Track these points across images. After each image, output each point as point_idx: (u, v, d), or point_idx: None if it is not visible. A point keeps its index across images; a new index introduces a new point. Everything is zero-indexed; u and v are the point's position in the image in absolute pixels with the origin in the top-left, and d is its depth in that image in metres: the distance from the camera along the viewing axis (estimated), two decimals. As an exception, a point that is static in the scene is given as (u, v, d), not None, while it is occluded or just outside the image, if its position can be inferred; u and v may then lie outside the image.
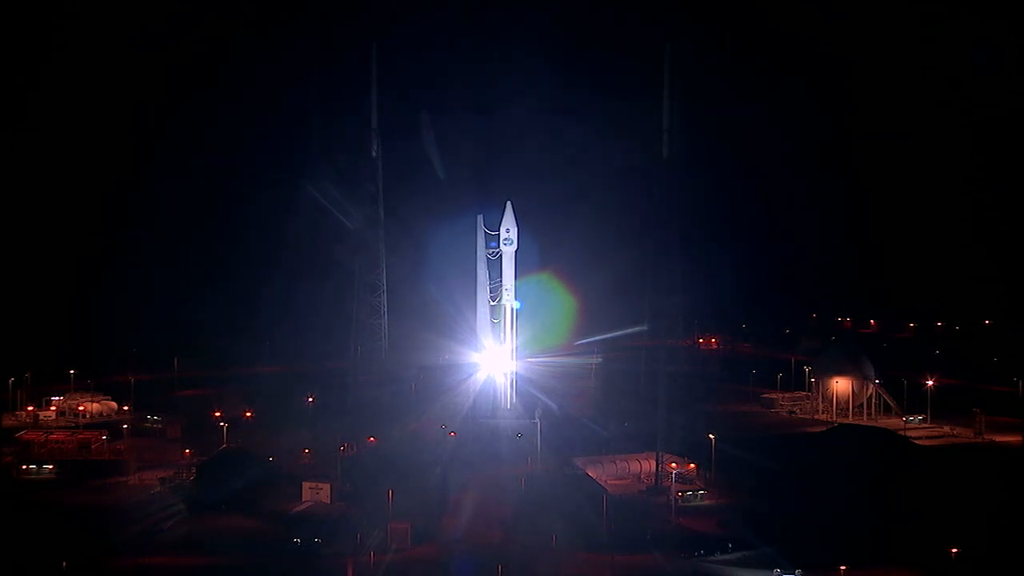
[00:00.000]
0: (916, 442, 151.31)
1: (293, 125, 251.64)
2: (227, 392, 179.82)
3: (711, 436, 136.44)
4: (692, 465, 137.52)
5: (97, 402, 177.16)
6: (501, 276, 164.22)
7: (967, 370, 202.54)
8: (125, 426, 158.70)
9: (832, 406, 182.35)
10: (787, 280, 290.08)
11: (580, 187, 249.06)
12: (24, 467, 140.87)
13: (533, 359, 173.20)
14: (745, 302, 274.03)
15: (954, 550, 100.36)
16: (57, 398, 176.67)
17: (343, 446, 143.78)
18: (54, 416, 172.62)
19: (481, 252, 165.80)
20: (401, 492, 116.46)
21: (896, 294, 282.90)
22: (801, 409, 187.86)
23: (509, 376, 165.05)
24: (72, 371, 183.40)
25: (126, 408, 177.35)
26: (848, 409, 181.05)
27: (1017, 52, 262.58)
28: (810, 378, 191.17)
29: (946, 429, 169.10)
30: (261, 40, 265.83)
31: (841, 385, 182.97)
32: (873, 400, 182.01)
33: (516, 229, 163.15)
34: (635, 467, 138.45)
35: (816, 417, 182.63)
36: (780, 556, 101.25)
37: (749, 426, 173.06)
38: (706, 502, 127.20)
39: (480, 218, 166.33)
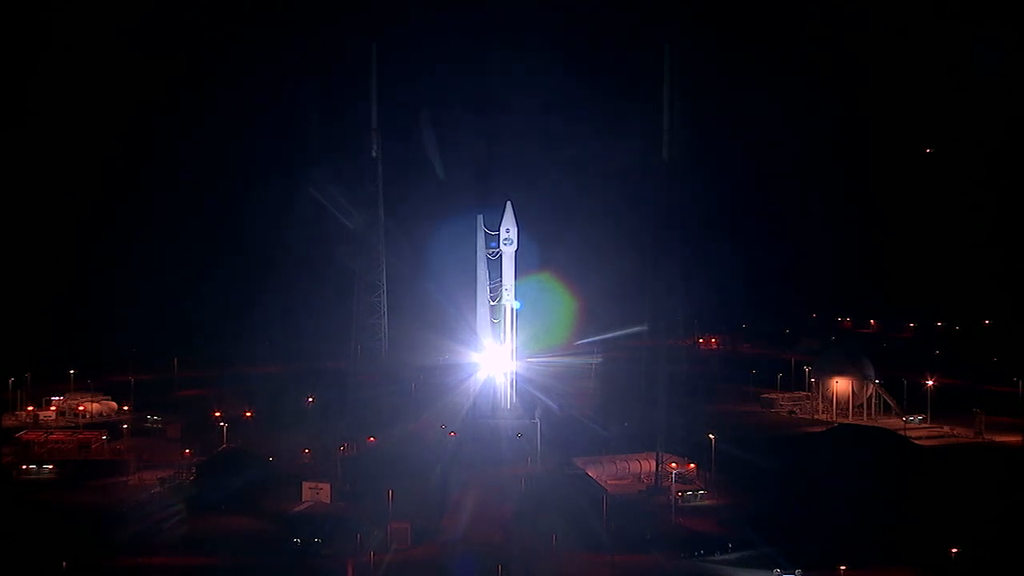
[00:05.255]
0: (916, 442, 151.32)
1: (293, 125, 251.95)
2: (227, 392, 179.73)
3: (711, 436, 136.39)
4: (692, 465, 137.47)
5: (97, 402, 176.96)
6: (501, 276, 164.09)
7: (967, 370, 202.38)
8: (125, 426, 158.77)
9: (832, 406, 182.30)
10: (787, 280, 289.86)
11: (580, 187, 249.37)
12: (24, 467, 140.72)
13: (533, 359, 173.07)
14: (745, 302, 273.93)
15: (954, 550, 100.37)
16: (57, 398, 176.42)
17: (343, 446, 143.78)
18: (54, 416, 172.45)
19: (481, 252, 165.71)
20: (401, 492, 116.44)
21: (896, 294, 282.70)
22: (801, 409, 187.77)
23: (509, 376, 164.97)
24: (72, 371, 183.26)
25: (126, 408, 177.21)
26: (848, 409, 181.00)
27: (1017, 52, 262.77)
28: (810, 378, 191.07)
29: (946, 429, 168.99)
30: (261, 40, 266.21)
31: (841, 385, 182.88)
32: (873, 400, 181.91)
33: (516, 229, 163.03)
34: (635, 467, 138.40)
35: (816, 417, 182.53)
36: (780, 556, 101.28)
37: (749, 426, 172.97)
38: (706, 502, 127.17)
39: (480, 218, 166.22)
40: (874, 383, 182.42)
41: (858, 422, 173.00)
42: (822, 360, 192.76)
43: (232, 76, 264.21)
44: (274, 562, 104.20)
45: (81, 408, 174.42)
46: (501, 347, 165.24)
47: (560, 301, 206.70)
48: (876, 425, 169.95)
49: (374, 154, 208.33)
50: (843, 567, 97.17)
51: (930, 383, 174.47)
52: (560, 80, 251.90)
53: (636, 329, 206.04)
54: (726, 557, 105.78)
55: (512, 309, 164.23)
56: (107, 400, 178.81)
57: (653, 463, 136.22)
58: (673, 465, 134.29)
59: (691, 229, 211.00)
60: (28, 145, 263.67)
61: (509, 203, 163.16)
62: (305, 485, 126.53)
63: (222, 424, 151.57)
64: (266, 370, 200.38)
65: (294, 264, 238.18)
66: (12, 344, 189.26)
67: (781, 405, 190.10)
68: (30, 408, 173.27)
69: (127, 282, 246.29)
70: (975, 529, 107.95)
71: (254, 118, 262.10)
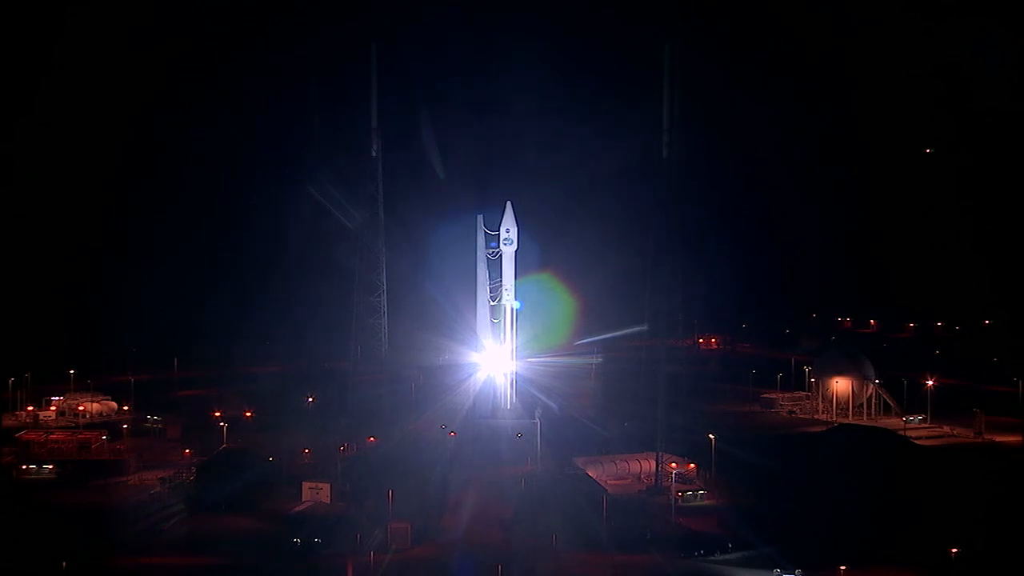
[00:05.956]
0: (916, 442, 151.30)
1: (293, 125, 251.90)
2: (227, 392, 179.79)
3: (711, 436, 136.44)
4: (692, 465, 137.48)
5: (97, 402, 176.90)
6: (501, 276, 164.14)
7: (967, 370, 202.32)
8: (125, 426, 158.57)
9: (832, 406, 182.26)
10: (787, 280, 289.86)
11: (580, 187, 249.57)
12: (24, 467, 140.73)
13: (533, 359, 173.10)
14: (745, 302, 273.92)
15: (954, 550, 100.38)
16: (57, 398, 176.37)
17: (343, 446, 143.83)
18: (54, 416, 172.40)
19: (481, 252, 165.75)
20: (401, 492, 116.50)
21: (896, 294, 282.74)
22: (801, 409, 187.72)
23: (509, 376, 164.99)
24: (72, 371, 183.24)
25: (126, 408, 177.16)
26: (848, 409, 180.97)
27: (1017, 52, 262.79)
28: (810, 378, 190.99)
29: (946, 429, 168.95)
30: (261, 40, 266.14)
31: (841, 385, 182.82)
32: (873, 400, 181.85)
33: (516, 229, 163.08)
34: (635, 467, 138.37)
35: (816, 417, 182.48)
36: (780, 556, 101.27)
37: (749, 426, 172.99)
38: (706, 502, 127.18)
39: (480, 218, 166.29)
40: (874, 383, 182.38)
41: (858, 422, 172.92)
42: (822, 360, 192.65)
43: (232, 77, 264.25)
44: (274, 562, 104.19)
45: (81, 408, 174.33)
46: (501, 347, 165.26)
47: (560, 301, 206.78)
48: (876, 425, 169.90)
49: (374, 154, 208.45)
50: (843, 567, 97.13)
51: (930, 383, 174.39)
52: (560, 80, 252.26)
53: (636, 329, 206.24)
54: (726, 557, 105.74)
55: (512, 309, 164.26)
56: (107, 400, 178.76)
57: (653, 463, 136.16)
58: (673, 465, 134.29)
59: (691, 229, 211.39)
60: (30, 145, 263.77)
61: (509, 203, 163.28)
62: (305, 485, 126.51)
63: (222, 424, 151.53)
64: (266, 370, 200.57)
65: (294, 264, 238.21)
66: (12, 344, 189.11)
67: (781, 405, 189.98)
68: (30, 408, 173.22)
69: (127, 282, 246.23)
70: (975, 529, 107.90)
71: (254, 118, 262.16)
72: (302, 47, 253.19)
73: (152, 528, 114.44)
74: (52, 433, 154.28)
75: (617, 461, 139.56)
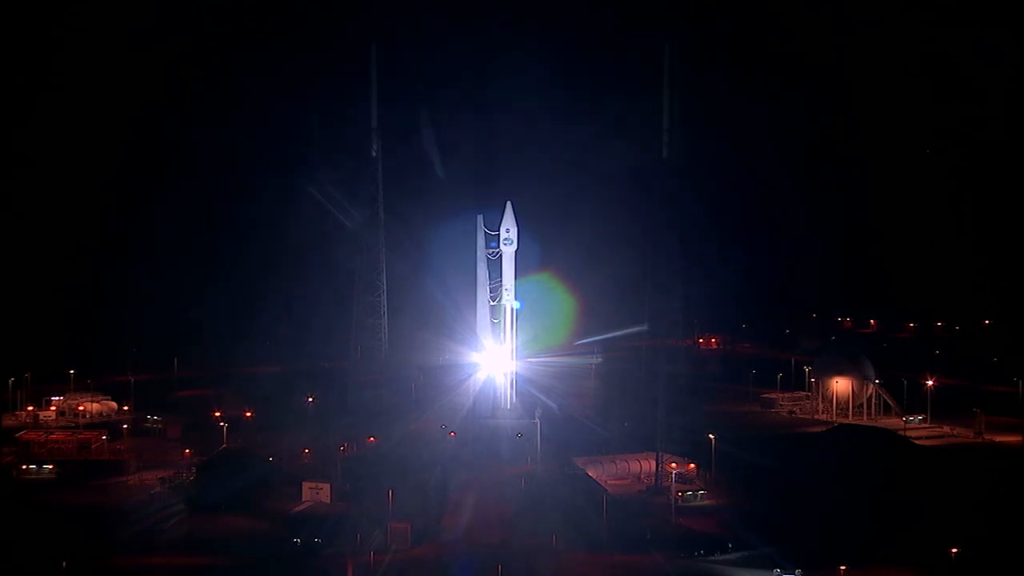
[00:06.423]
0: (916, 442, 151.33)
1: (293, 125, 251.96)
2: (227, 392, 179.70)
3: (711, 436, 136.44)
4: (692, 465, 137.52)
5: (97, 402, 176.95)
6: (501, 276, 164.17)
7: (967, 370, 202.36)
8: (125, 426, 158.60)
9: (832, 406, 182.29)
10: (787, 280, 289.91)
11: (580, 187, 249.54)
12: (24, 467, 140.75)
13: (533, 359, 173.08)
14: (745, 302, 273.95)
15: (954, 550, 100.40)
16: (57, 398, 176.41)
17: (343, 446, 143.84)
18: (54, 416, 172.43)
19: (481, 252, 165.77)
20: (401, 492, 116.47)
21: (896, 294, 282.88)
22: (801, 409, 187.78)
23: (509, 376, 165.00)
24: (72, 371, 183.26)
25: (126, 408, 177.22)
26: (848, 409, 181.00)
27: (1017, 52, 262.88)
28: (810, 378, 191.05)
29: (946, 429, 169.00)
30: (260, 41, 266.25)
31: (841, 385, 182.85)
32: (873, 400, 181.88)
33: (516, 229, 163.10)
34: (635, 467, 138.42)
35: (816, 417, 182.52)
36: (780, 556, 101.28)
37: (749, 426, 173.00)
38: (706, 502, 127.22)
39: (480, 218, 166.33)
40: (874, 383, 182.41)
41: (858, 422, 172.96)
42: (822, 360, 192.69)
43: (232, 76, 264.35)
44: (274, 562, 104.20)
45: (81, 408, 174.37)
46: (501, 347, 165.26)
47: (560, 301, 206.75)
48: (876, 425, 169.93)
49: (374, 154, 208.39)
50: (843, 567, 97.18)
51: (930, 383, 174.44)
52: (561, 80, 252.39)
53: (636, 329, 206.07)
54: (726, 557, 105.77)
55: (512, 309, 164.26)
56: (107, 400, 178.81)
57: (653, 463, 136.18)
58: (673, 465, 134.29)
59: (691, 229, 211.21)
60: (30, 145, 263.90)
61: (509, 203, 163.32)
62: (305, 485, 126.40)
63: (222, 424, 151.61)
64: (266, 370, 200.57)
65: (294, 264, 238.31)
66: (12, 344, 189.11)
67: (781, 405, 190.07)
68: (30, 408, 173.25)
69: (127, 282, 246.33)
70: (975, 529, 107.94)
71: (254, 118, 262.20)
72: (302, 47, 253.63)
73: (152, 528, 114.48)
74: (52, 433, 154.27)
75: (617, 461, 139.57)
